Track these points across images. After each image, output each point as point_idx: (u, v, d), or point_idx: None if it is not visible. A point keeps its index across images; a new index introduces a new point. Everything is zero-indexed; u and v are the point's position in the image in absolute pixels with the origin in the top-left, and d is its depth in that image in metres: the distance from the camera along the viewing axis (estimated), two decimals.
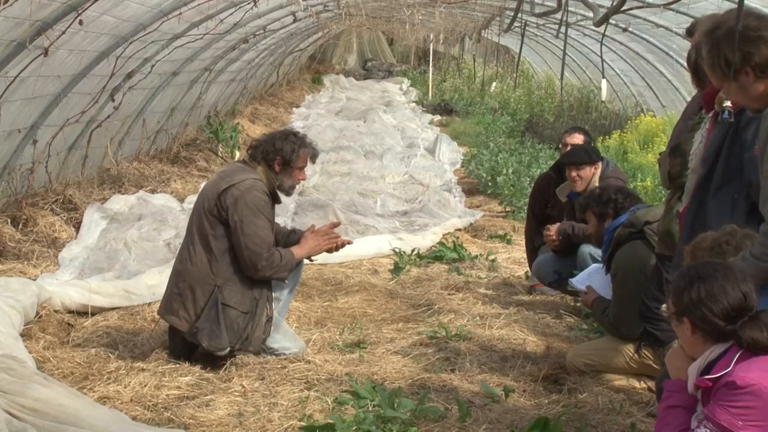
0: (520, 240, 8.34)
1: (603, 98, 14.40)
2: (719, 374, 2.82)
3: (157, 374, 4.74)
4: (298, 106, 21.96)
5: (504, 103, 20.77)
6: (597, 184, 6.19)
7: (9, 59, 6.51)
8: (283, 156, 5.11)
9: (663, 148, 5.61)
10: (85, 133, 9.22)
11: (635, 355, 4.87)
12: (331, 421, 4.07)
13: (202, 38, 10.47)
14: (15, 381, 3.97)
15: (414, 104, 23.67)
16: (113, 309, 5.97)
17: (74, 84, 8.13)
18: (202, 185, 6.36)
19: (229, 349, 4.94)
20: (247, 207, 4.92)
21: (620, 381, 4.91)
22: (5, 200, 7.78)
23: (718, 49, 3.31)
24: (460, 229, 9.17)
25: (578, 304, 6.32)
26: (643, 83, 15.63)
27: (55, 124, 8.20)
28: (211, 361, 4.98)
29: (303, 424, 4.17)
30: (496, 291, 6.87)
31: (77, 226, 8.08)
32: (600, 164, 6.43)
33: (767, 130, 3.19)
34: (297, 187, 5.41)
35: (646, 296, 4.66)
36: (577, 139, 6.97)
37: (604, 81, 12.72)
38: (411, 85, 28.22)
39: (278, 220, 8.22)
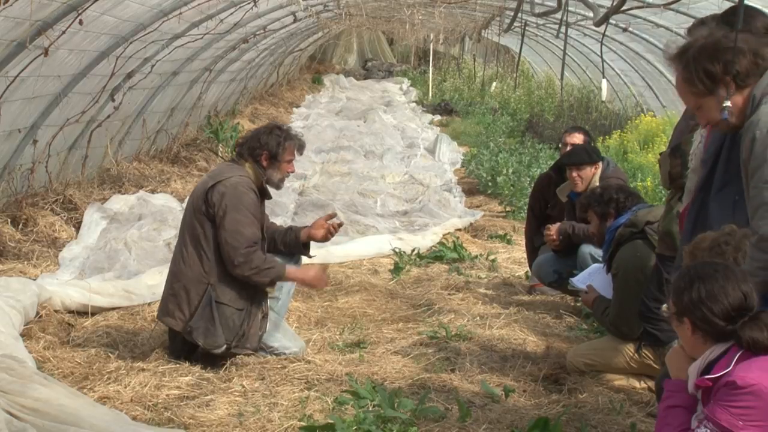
0: (520, 240, 8.34)
1: (603, 98, 14.40)
2: (719, 374, 2.82)
3: (157, 374, 4.74)
4: (298, 106, 21.96)
5: (504, 103, 20.77)
6: (597, 184, 6.19)
7: (9, 59, 6.51)
8: (269, 150, 5.08)
9: (663, 148, 5.61)
10: (85, 133, 9.22)
11: (635, 355, 4.87)
12: (331, 421, 4.07)
13: (202, 38, 10.47)
14: (15, 381, 3.97)
15: (414, 104, 23.67)
16: (113, 309, 5.97)
17: (74, 84, 8.13)
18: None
19: (225, 346, 4.94)
20: (230, 202, 4.90)
21: (620, 381, 4.91)
22: (5, 200, 7.78)
23: (696, 64, 3.25)
24: (460, 229, 9.17)
25: (578, 304, 6.32)
26: (643, 83, 15.62)
27: (55, 124, 8.20)
28: (211, 361, 4.98)
29: (303, 424, 4.17)
30: (496, 291, 6.87)
31: (77, 226, 8.08)
32: (600, 164, 6.43)
33: (751, 143, 3.13)
34: (286, 179, 5.34)
35: (646, 296, 4.66)
36: (578, 139, 6.97)
37: (604, 81, 12.71)
38: (411, 85, 28.23)
39: (278, 220, 8.24)
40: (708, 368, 2.89)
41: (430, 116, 20.88)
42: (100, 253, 7.34)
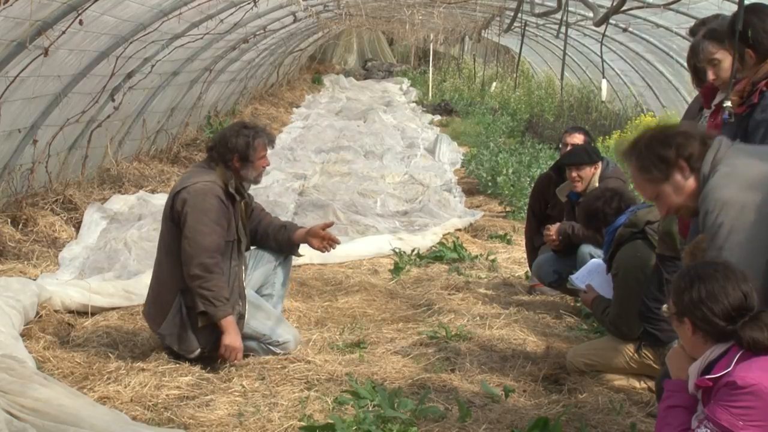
0: (520, 240, 8.34)
1: (603, 98, 14.40)
2: (720, 374, 2.82)
3: (157, 374, 4.74)
4: (298, 106, 21.96)
5: (504, 103, 20.77)
6: (597, 184, 6.20)
7: (9, 59, 6.51)
8: (239, 153, 4.98)
9: None
10: (85, 133, 9.22)
11: (635, 355, 4.87)
12: (331, 421, 4.07)
13: (202, 38, 10.47)
14: (15, 381, 3.97)
15: (414, 104, 23.67)
16: (113, 309, 5.97)
17: (74, 84, 8.14)
18: None
19: (199, 350, 4.92)
20: (191, 210, 4.83)
21: (620, 381, 4.91)
22: (5, 200, 7.79)
23: (648, 151, 3.28)
24: (460, 229, 9.17)
25: (578, 304, 6.32)
26: (643, 83, 15.62)
27: (55, 124, 8.20)
28: (211, 361, 4.98)
29: (303, 424, 4.17)
30: (496, 291, 6.87)
31: (77, 226, 8.08)
32: (600, 164, 6.42)
33: (703, 219, 3.15)
34: (263, 172, 5.22)
35: (646, 296, 4.66)
36: (577, 139, 6.96)
37: (604, 81, 12.72)
38: (411, 85, 28.23)
39: None
40: (708, 368, 2.89)
41: (430, 116, 20.88)
42: (100, 253, 7.34)
